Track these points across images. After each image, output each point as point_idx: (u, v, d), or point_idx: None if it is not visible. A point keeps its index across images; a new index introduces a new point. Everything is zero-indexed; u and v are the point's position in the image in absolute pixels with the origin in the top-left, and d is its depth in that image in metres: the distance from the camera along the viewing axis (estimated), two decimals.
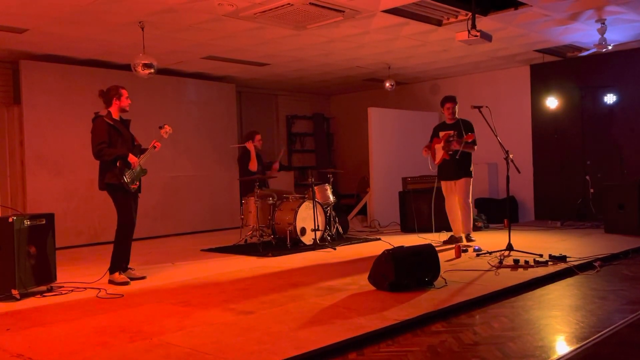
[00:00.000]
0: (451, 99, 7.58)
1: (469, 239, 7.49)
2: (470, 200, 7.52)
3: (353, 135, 13.10)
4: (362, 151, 11.15)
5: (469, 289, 4.88)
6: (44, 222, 5.34)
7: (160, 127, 5.90)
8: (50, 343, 3.77)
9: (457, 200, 7.49)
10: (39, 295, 5.20)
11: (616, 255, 6.47)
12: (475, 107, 6.90)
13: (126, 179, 5.58)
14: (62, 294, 5.30)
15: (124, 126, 5.76)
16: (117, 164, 5.54)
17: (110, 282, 5.65)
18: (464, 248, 6.84)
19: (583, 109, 9.85)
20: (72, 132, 8.81)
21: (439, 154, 7.48)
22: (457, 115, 7.56)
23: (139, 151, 5.80)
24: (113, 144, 5.57)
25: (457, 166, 7.37)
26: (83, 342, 3.74)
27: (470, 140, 7.20)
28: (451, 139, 7.30)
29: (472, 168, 7.48)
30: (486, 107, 6.82)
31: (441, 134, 7.52)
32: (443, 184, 7.65)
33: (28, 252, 5.14)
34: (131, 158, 5.62)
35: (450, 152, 7.33)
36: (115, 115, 5.71)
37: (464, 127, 7.32)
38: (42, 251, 5.29)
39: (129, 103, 5.77)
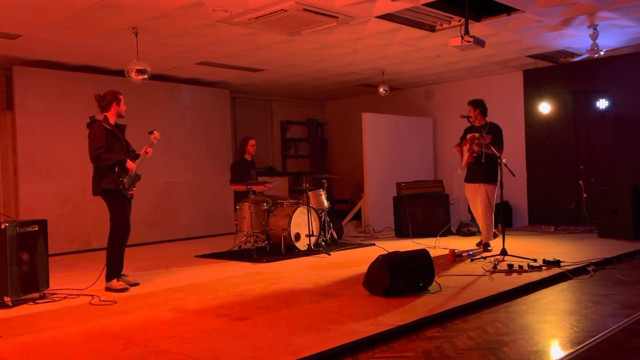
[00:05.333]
0: (471, 103, 7.43)
1: (486, 248, 7.28)
2: (490, 207, 7.27)
3: (347, 141, 13.12)
4: (357, 156, 11.16)
5: (464, 294, 4.88)
6: (36, 228, 5.31)
7: (150, 133, 5.89)
8: (43, 350, 3.74)
9: (478, 204, 7.33)
10: (31, 302, 5.17)
11: (610, 260, 6.49)
12: (464, 116, 6.95)
13: (124, 185, 5.56)
14: (55, 300, 5.27)
15: (120, 131, 5.75)
16: (115, 170, 5.52)
17: (108, 289, 5.59)
18: (459, 253, 6.83)
19: (576, 114, 9.90)
20: (65, 138, 8.78)
21: (466, 155, 7.30)
22: (487, 119, 7.37)
23: (134, 157, 5.78)
24: (110, 149, 5.55)
25: (481, 169, 7.18)
26: (76, 349, 3.72)
27: (488, 142, 6.95)
28: (476, 140, 7.12)
29: (498, 174, 6.93)
30: (474, 117, 6.87)
31: (469, 136, 7.28)
32: (467, 186, 7.49)
33: (20, 259, 5.10)
34: (129, 164, 5.61)
35: (475, 155, 7.17)
36: (112, 120, 5.70)
37: (489, 130, 7.18)
38: (34, 258, 5.25)
39: (125, 108, 5.78)
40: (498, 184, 6.95)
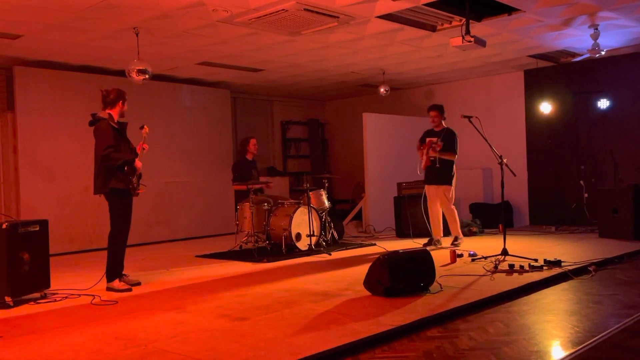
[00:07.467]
0: (434, 108, 7.83)
1: (455, 242, 7.68)
2: (450, 204, 7.72)
3: (348, 141, 13.12)
4: (357, 156, 11.16)
5: (465, 294, 4.88)
6: (37, 228, 5.31)
7: (140, 128, 5.85)
8: (44, 350, 3.74)
9: (438, 205, 7.79)
10: (32, 302, 5.17)
11: (611, 260, 6.49)
12: (465, 116, 6.98)
13: (134, 184, 5.56)
14: (56, 301, 5.27)
15: (123, 130, 5.74)
16: (125, 169, 5.50)
17: (109, 289, 5.58)
18: (460, 253, 6.84)
19: (577, 114, 9.90)
20: (66, 138, 8.78)
21: (424, 159, 7.75)
22: (444, 123, 7.79)
23: (135, 155, 5.77)
24: (117, 148, 5.53)
25: (438, 172, 7.64)
26: (77, 350, 3.72)
27: (438, 149, 7.51)
28: (433, 145, 7.61)
29: (452, 176, 7.67)
30: (476, 117, 6.91)
31: (427, 140, 7.76)
32: (426, 187, 7.93)
33: (21, 259, 5.10)
34: (137, 163, 5.60)
35: (432, 159, 7.61)
36: (116, 118, 5.69)
37: (444, 136, 7.60)
38: (35, 258, 5.24)
39: (127, 108, 5.79)
40: (453, 184, 7.66)
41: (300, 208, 7.74)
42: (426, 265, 5.06)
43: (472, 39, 6.25)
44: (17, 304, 5.06)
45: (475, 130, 6.89)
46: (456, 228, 7.75)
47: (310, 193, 7.96)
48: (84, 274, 6.55)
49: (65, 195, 8.81)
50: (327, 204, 8.23)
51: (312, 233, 7.77)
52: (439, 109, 7.79)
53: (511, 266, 5.92)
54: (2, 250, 4.96)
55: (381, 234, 9.77)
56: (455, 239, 7.73)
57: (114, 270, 5.65)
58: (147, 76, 7.17)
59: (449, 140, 7.61)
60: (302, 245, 7.72)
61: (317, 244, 7.91)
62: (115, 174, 5.49)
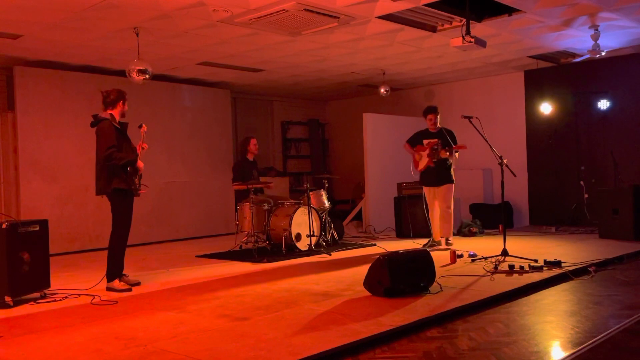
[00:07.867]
0: (432, 111, 7.76)
1: (447, 243, 7.66)
2: (452, 205, 7.72)
3: (348, 141, 13.12)
4: (357, 157, 11.16)
5: (465, 295, 4.88)
6: (37, 228, 5.31)
7: (139, 127, 5.85)
8: (44, 350, 3.74)
9: (437, 205, 7.73)
10: (32, 302, 5.17)
11: (611, 261, 6.48)
12: (465, 117, 7.00)
13: (136, 185, 5.56)
14: (55, 300, 5.27)
15: (124, 130, 5.74)
16: (128, 169, 5.50)
17: (109, 289, 5.58)
18: (460, 254, 6.83)
19: (577, 115, 9.90)
20: (66, 138, 8.79)
21: (424, 161, 7.67)
22: (439, 124, 7.78)
23: (136, 155, 5.77)
24: (119, 148, 5.53)
25: (440, 173, 7.59)
26: (77, 349, 3.72)
27: (458, 150, 7.49)
28: (436, 147, 7.51)
29: (454, 174, 7.68)
30: (476, 117, 6.91)
31: (425, 141, 7.70)
32: (426, 189, 7.85)
33: (21, 259, 5.10)
34: (139, 163, 5.60)
35: (436, 160, 7.53)
36: (117, 118, 5.69)
37: (449, 136, 7.57)
38: (35, 258, 5.24)
39: (127, 108, 5.80)
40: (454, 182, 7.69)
41: (300, 208, 7.74)
42: (426, 266, 5.06)
43: (472, 40, 6.26)
44: (17, 304, 5.06)
45: (475, 130, 6.89)
46: (450, 229, 7.72)
47: (310, 193, 7.97)
48: (84, 274, 6.56)
49: (66, 195, 8.81)
50: (327, 204, 8.23)
51: (312, 233, 7.77)
52: (436, 111, 7.76)
53: (511, 267, 5.92)
54: (2, 250, 4.96)
55: (381, 234, 9.77)
56: (447, 240, 7.70)
57: (114, 270, 5.64)
58: (147, 76, 7.17)
59: (454, 139, 7.62)
60: (302, 245, 7.72)
61: (317, 244, 7.91)
62: (118, 174, 5.49)
